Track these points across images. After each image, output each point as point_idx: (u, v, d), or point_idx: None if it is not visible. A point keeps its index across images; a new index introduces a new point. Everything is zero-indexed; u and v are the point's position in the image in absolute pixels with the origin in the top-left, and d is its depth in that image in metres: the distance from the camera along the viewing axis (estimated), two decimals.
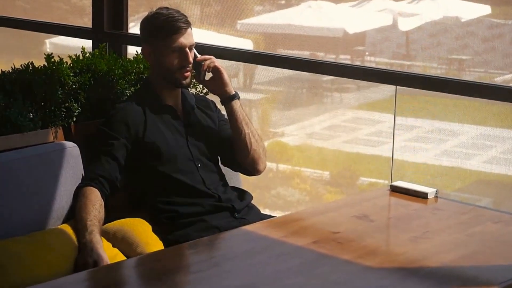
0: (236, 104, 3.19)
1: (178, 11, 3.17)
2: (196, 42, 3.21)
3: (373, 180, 8.08)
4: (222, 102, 3.22)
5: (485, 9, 8.54)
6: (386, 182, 7.66)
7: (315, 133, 8.57)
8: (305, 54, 8.75)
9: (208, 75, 3.22)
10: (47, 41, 8.39)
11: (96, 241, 2.73)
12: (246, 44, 8.47)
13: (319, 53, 9.11)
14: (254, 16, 9.19)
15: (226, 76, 3.18)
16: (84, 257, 2.69)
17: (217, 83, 3.19)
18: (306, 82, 8.69)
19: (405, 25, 8.98)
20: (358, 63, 9.53)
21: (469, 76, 8.42)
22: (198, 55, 3.19)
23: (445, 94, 3.37)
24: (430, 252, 2.55)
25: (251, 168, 3.25)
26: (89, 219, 2.80)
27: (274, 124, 8.68)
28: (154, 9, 3.20)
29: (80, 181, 2.97)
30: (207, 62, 3.18)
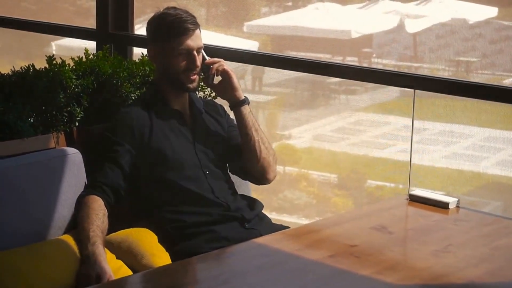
0: (245, 109, 3.07)
1: (186, 12, 3.05)
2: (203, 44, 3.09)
3: (380, 183, 8.03)
4: (231, 107, 3.10)
5: (493, 11, 8.50)
6: (393, 185, 7.65)
7: (323, 135, 8.53)
8: (311, 55, 8.69)
9: (217, 79, 3.10)
10: (53, 43, 8.33)
11: (99, 253, 2.62)
12: (252, 46, 8.40)
13: (326, 55, 9.05)
14: (261, 17, 9.13)
15: (235, 80, 3.06)
16: (87, 270, 2.57)
17: (226, 87, 3.08)
18: (313, 84, 8.64)
19: (412, 27, 8.93)
20: (365, 65, 9.48)
21: (476, 78, 8.37)
22: (207, 58, 3.07)
23: (453, 96, 3.28)
24: (453, 267, 2.43)
25: (260, 176, 3.13)
26: (91, 229, 2.69)
27: (281, 126, 8.63)
28: (162, 9, 3.08)
29: (82, 189, 2.87)
30: (216, 65, 3.06)
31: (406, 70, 9.03)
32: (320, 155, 8.55)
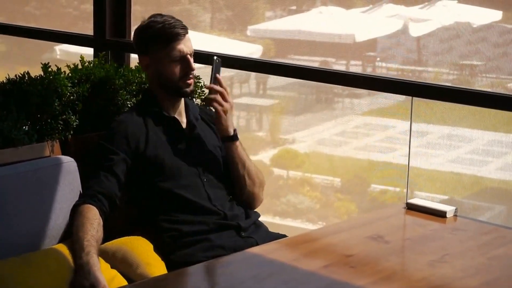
0: (233, 145, 3.03)
1: (173, 17, 3.02)
2: (205, 49, 3.04)
3: (383, 187, 8.00)
4: (221, 140, 3.07)
5: (497, 15, 8.46)
6: (397, 189, 7.62)
7: (325, 139, 8.50)
8: (314, 59, 8.67)
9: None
10: (56, 48, 8.32)
11: (93, 262, 2.58)
12: (256, 50, 8.38)
13: (330, 59, 9.02)
14: (265, 21, 9.11)
15: (223, 119, 2.98)
16: (80, 280, 2.54)
17: (216, 121, 3.03)
18: (316, 87, 8.61)
19: (416, 30, 8.89)
20: (369, 69, 9.44)
21: (481, 82, 8.33)
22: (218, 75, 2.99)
23: None
24: (450, 277, 2.39)
25: (245, 204, 3.09)
26: (86, 239, 2.66)
27: (285, 130, 8.61)
28: (147, 18, 3.04)
29: (77, 198, 2.84)
30: (212, 96, 2.98)
31: (410, 74, 9.01)
32: (323, 160, 8.53)
